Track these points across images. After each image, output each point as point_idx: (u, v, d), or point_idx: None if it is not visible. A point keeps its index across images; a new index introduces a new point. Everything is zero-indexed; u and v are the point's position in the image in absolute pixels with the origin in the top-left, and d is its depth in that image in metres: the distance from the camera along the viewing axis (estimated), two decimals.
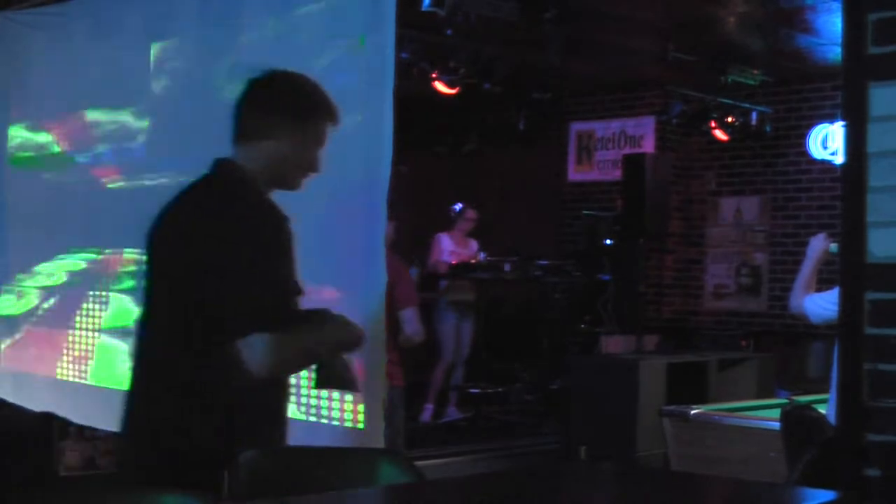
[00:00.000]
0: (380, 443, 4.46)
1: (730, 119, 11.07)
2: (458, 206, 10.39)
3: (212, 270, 3.06)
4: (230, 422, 3.12)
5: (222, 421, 3.12)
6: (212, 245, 3.09)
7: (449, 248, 10.24)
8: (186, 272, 3.11)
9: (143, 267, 3.26)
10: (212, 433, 3.11)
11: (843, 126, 3.16)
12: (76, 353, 6.35)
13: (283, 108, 3.35)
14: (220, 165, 3.30)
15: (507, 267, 10.59)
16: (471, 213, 10.37)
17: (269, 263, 3.12)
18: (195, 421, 3.12)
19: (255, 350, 3.01)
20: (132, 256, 5.95)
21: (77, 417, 6.29)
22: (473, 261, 10.32)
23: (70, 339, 6.37)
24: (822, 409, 5.15)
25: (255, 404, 3.15)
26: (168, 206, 3.25)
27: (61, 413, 6.21)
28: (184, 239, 3.15)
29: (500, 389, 10.89)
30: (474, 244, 10.50)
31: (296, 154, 3.34)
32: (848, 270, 3.10)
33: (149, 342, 3.25)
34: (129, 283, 5.97)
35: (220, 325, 3.03)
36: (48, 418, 6.19)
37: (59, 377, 6.41)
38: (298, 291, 3.27)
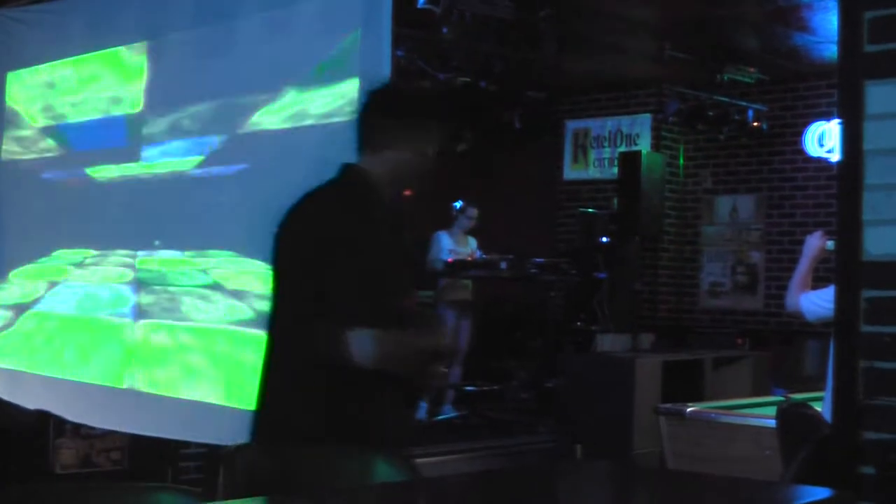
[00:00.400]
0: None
1: (726, 117, 11.07)
2: (459, 204, 10.36)
3: (335, 265, 3.30)
4: (333, 408, 3.37)
5: (326, 406, 3.37)
6: (337, 242, 3.34)
7: (448, 247, 10.22)
8: (312, 265, 3.34)
9: (272, 263, 3.47)
10: (316, 420, 3.36)
11: (839, 124, 3.17)
12: (72, 350, 6.35)
13: (404, 120, 3.54)
14: (349, 170, 3.55)
15: (502, 265, 10.58)
16: (471, 212, 10.34)
17: (387, 264, 3.44)
18: (306, 404, 3.38)
19: (363, 342, 3.25)
20: (125, 255, 5.95)
21: (71, 415, 6.29)
22: (470, 258, 10.31)
23: (67, 335, 6.37)
24: (818, 407, 5.16)
25: (358, 394, 3.37)
26: (296, 205, 3.46)
27: (56, 411, 6.21)
28: (312, 234, 3.37)
29: (495, 387, 10.89)
30: (473, 242, 10.49)
31: (416, 161, 3.54)
32: (843, 268, 3.10)
33: (277, 330, 3.47)
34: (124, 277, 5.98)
35: (335, 316, 3.27)
36: (44, 416, 6.19)
37: (53, 375, 6.40)
38: (410, 291, 3.57)
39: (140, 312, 5.91)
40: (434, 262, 10.13)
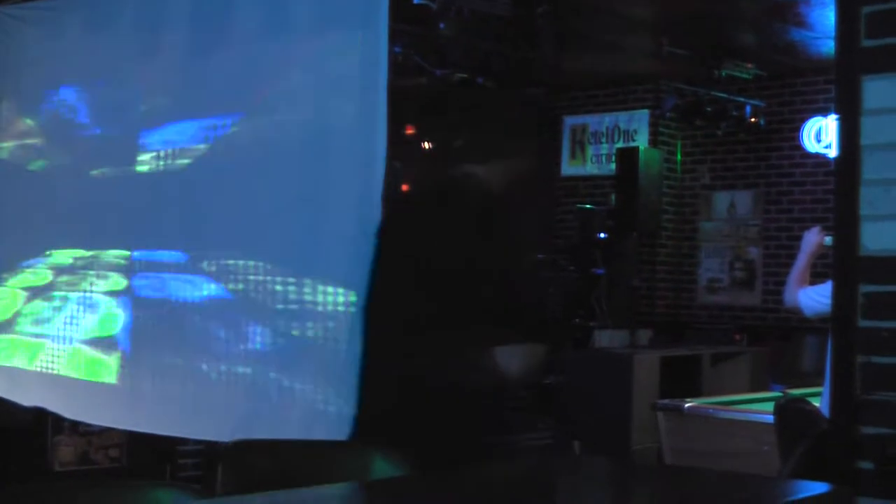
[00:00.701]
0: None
1: (723, 113, 11.07)
2: None
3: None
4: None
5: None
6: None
7: None
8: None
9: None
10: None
11: (836, 119, 3.17)
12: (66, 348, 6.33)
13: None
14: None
15: None
16: None
17: None
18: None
19: (511, 357, 3.50)
20: (117, 255, 5.94)
21: (69, 413, 6.28)
22: None
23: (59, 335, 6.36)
24: (816, 402, 5.16)
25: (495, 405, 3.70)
26: (420, 217, 3.66)
27: (53, 409, 6.20)
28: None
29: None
30: None
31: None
32: (841, 263, 3.11)
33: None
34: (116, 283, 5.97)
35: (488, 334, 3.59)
36: (42, 413, 6.19)
37: (51, 372, 6.39)
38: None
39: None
40: None
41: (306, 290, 4.98)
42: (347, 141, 4.74)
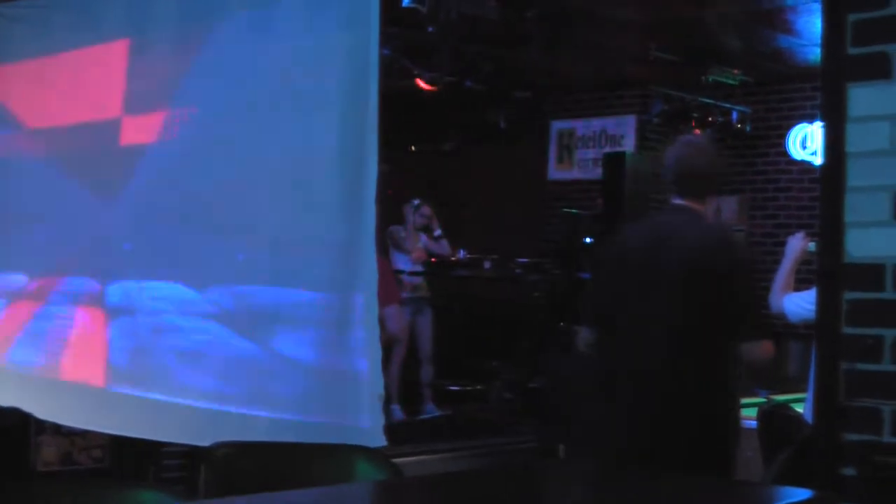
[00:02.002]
0: (381, 441, 4.42)
1: (710, 118, 11.08)
2: (416, 202, 10.40)
3: (731, 287, 4.10)
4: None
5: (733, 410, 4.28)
6: (730, 267, 4.15)
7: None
8: (708, 287, 4.13)
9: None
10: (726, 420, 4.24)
11: (822, 126, 3.18)
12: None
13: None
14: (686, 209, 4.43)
15: (486, 265, 10.60)
16: (425, 210, 10.38)
17: (758, 284, 4.33)
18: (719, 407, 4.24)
19: (750, 352, 4.13)
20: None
21: (43, 414, 6.20)
22: (454, 258, 10.33)
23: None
24: (800, 409, 5.17)
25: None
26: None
27: (29, 409, 6.15)
28: (707, 260, 4.17)
29: (478, 387, 10.88)
30: (423, 239, 10.51)
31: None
32: (826, 270, 3.11)
33: (683, 340, 4.18)
34: None
35: (732, 330, 4.09)
36: (24, 414, 6.16)
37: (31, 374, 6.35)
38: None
39: None
40: (406, 258, 10.17)
41: (296, 296, 4.95)
42: (337, 146, 4.72)
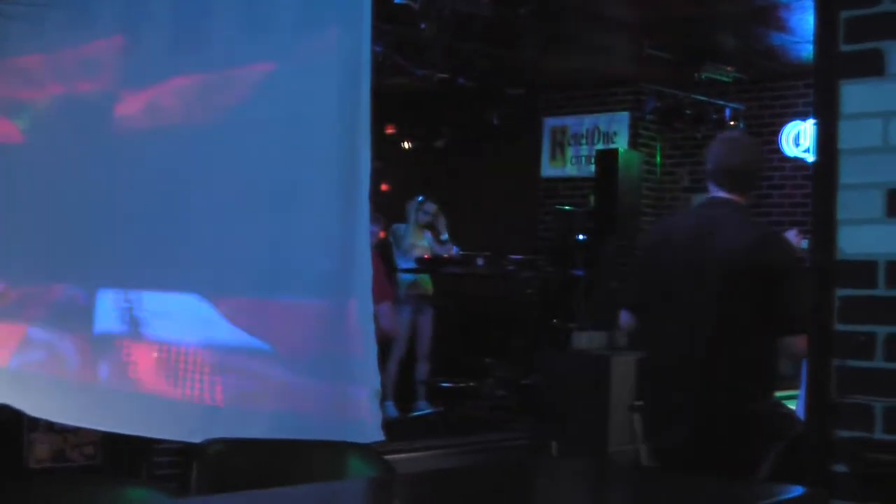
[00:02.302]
0: (379, 435, 4.43)
1: (703, 116, 11.09)
2: (420, 199, 10.38)
3: (774, 280, 4.20)
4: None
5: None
6: (772, 261, 4.27)
7: (409, 242, 10.24)
8: (751, 280, 4.23)
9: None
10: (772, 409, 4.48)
11: (815, 123, 3.18)
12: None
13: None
14: (729, 202, 4.50)
15: (479, 262, 10.59)
16: (430, 207, 10.35)
17: (799, 277, 4.25)
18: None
19: (791, 345, 4.21)
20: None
21: (35, 411, 6.19)
22: (427, 255, 10.32)
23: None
24: (792, 406, 5.17)
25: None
26: (710, 225, 4.41)
27: (21, 406, 6.13)
28: (750, 254, 4.26)
29: (471, 384, 10.88)
30: (428, 236, 10.50)
31: None
32: (818, 267, 3.11)
33: (724, 332, 4.28)
34: None
35: (773, 323, 4.21)
36: (17, 411, 6.14)
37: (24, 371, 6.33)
38: None
39: None
40: (406, 256, 10.14)
41: (287, 295, 4.95)
42: (330, 143, 4.71)
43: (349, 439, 3.88)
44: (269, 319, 5.03)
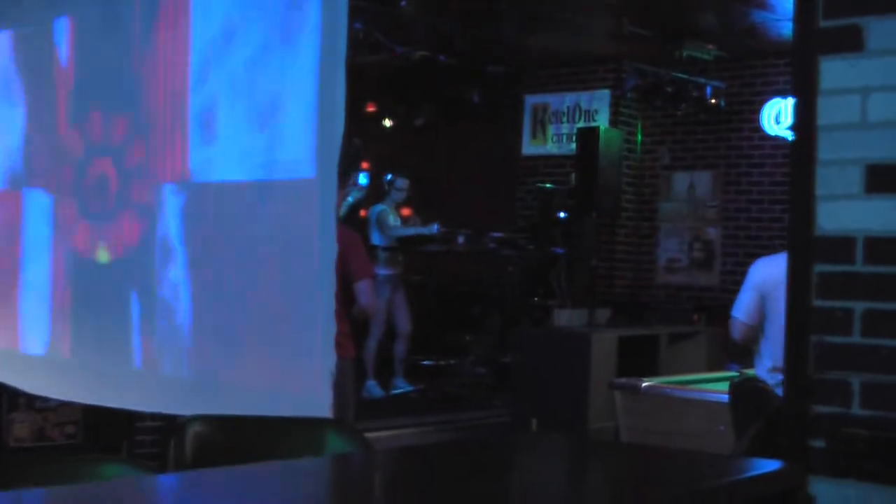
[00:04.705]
0: (326, 413, 4.45)
1: (684, 94, 11.10)
2: (389, 177, 10.33)
3: None
4: None
5: None
6: None
7: (391, 222, 10.20)
8: None
9: None
10: None
11: (793, 99, 3.17)
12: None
13: None
14: None
15: (460, 239, 10.60)
16: (401, 182, 10.29)
17: None
18: None
19: None
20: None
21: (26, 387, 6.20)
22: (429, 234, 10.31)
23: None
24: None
25: None
26: None
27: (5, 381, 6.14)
28: None
29: (451, 362, 10.91)
30: (407, 212, 10.49)
31: None
32: (797, 243, 3.12)
33: None
34: None
35: None
36: None
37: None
38: None
39: None
40: (390, 237, 10.12)
41: (260, 278, 4.96)
42: (304, 118, 4.70)
43: (299, 414, 3.93)
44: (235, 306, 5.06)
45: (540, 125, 12.31)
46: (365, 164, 11.70)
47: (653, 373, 8.37)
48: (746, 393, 5.27)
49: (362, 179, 10.19)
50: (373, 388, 9.90)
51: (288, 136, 4.82)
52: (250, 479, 2.52)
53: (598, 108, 11.79)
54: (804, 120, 3.09)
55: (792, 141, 3.21)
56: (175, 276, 5.28)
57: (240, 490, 2.46)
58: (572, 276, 10.76)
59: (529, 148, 12.40)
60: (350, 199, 9.68)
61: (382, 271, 9.97)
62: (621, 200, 11.30)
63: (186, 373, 5.21)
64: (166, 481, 2.62)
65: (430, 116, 12.82)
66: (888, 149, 2.95)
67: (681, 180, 11.71)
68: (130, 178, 5.51)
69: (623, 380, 7.40)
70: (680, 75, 11.02)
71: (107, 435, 6.71)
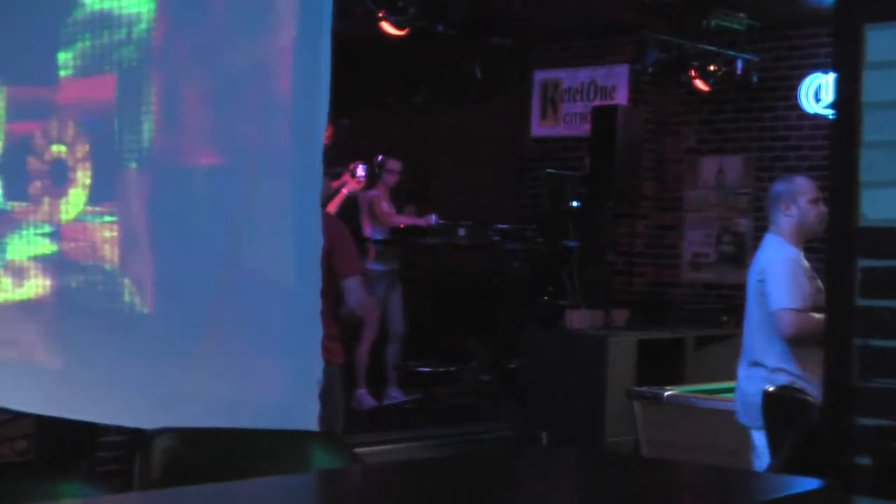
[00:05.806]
0: (312, 425, 4.46)
1: (712, 68, 11.09)
2: (379, 158, 10.32)
3: None
4: None
5: None
6: None
7: (387, 209, 10.21)
8: None
9: None
10: None
11: (835, 73, 3.17)
12: None
13: None
14: None
15: (461, 231, 10.59)
16: (392, 164, 10.27)
17: None
18: None
19: None
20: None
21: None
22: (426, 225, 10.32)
23: None
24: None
25: None
26: None
27: None
28: None
29: (451, 368, 10.91)
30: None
31: None
32: (838, 235, 3.11)
33: None
34: None
35: None
36: None
37: None
38: None
39: None
40: (384, 225, 10.12)
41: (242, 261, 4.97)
42: (283, 97, 4.72)
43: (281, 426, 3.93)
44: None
45: (550, 104, 12.31)
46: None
47: (677, 381, 8.38)
48: (782, 403, 5.28)
49: (361, 171, 10.18)
50: (364, 397, 9.91)
51: (262, 116, 4.84)
52: (225, 499, 2.52)
53: (616, 84, 11.80)
54: (847, 96, 3.08)
55: (833, 120, 3.20)
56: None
57: None
58: (586, 272, 10.75)
59: (539, 129, 12.41)
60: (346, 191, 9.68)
61: (376, 267, 9.97)
62: (641, 188, 11.30)
63: (150, 380, 5.22)
64: (130, 502, 2.62)
65: (427, 94, 12.82)
66: None
67: (708, 165, 11.72)
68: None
69: (643, 388, 7.41)
70: (707, 47, 11.01)
71: (64, 451, 6.71)
